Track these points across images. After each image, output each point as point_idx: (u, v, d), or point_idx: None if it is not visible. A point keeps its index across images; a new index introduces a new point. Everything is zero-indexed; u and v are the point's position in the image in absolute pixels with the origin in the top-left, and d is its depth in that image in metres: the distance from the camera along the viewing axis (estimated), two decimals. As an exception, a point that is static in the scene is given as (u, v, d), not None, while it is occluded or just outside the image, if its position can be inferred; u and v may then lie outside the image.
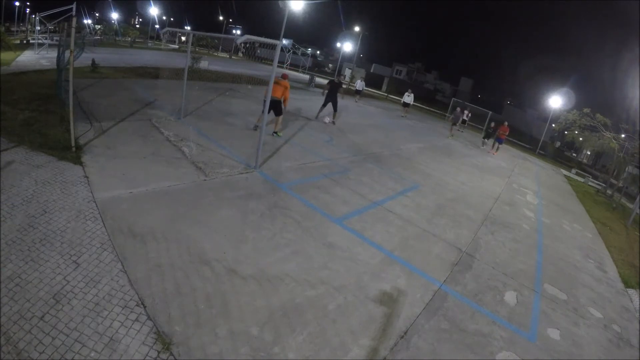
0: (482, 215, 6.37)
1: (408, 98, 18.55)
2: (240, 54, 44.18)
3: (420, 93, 52.60)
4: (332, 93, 10.79)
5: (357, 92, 19.97)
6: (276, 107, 7.48)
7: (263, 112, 5.42)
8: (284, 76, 7.86)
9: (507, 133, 15.10)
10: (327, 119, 10.88)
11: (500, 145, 15.21)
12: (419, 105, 34.63)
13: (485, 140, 16.15)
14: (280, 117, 7.71)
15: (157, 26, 46.30)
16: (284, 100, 7.58)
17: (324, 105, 10.92)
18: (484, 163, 12.08)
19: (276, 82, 7.30)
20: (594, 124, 16.82)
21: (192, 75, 10.18)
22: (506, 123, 15.31)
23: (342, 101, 11.26)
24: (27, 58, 13.36)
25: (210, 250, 3.28)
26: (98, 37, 33.26)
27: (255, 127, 7.83)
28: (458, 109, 17.29)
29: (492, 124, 16.19)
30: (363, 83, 20.38)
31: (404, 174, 7.53)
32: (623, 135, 16.44)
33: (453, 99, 29.95)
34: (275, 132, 7.81)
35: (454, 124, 16.73)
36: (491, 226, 5.96)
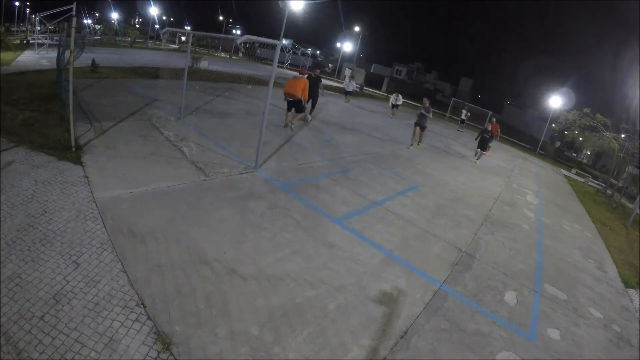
0: (482, 215, 6.37)
1: (397, 101, 17.65)
2: (240, 54, 44.13)
3: (420, 93, 52.68)
4: (312, 89, 9.78)
5: (347, 93, 18.77)
6: (297, 105, 8.22)
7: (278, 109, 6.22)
8: (302, 72, 8.73)
9: (497, 131, 14.24)
10: (309, 117, 10.48)
11: (490, 145, 13.63)
12: (418, 105, 34.61)
13: (481, 151, 11.52)
14: (300, 114, 8.52)
15: (157, 26, 46.34)
16: (304, 97, 8.17)
17: (313, 104, 10.43)
18: (483, 163, 12.07)
19: (293, 82, 8.01)
20: (594, 124, 16.83)
21: (192, 75, 10.19)
22: (494, 119, 14.26)
23: (336, 100, 11.11)
24: (27, 58, 13.36)
25: (210, 250, 3.28)
26: (98, 37, 33.26)
27: (285, 125, 8.55)
28: (426, 100, 11.20)
29: (490, 127, 11.97)
30: (353, 83, 18.98)
31: (403, 174, 7.53)
32: (623, 135, 16.45)
33: (453, 99, 29.95)
34: (290, 124, 8.42)
35: (420, 127, 10.91)
36: (491, 226, 5.96)
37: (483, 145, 11.58)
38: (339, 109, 15.25)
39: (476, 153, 11.62)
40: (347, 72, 44.80)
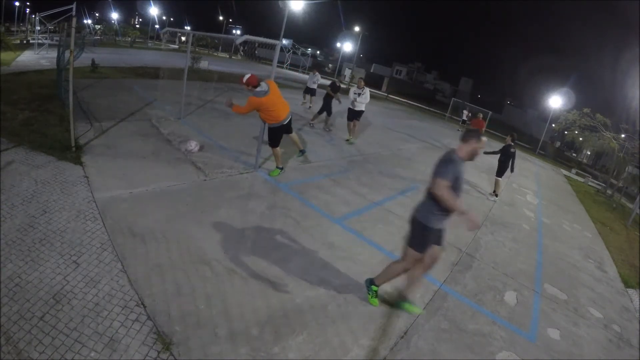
0: (482, 215, 6.37)
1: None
2: (239, 56, 43.81)
3: (420, 93, 52.74)
4: (330, 97, 9.75)
5: (309, 92, 12.76)
6: (358, 115, 8.69)
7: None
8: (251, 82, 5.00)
9: (482, 129, 11.83)
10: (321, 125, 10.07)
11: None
12: (418, 105, 34.61)
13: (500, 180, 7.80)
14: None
15: (157, 26, 46.31)
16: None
17: (321, 111, 9.77)
18: (483, 163, 12.07)
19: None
20: (594, 124, 16.83)
21: (192, 75, 10.17)
22: (481, 115, 12.19)
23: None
24: (27, 58, 13.36)
25: (210, 250, 3.28)
26: (98, 37, 33.24)
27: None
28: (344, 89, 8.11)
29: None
30: (318, 75, 12.98)
31: (403, 174, 7.53)
32: (623, 135, 16.45)
33: (453, 99, 29.97)
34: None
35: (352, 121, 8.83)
36: (491, 226, 5.96)
37: (503, 171, 7.57)
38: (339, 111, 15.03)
39: (495, 185, 7.64)
40: (347, 72, 44.46)
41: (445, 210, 2.69)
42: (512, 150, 7.54)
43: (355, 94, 8.72)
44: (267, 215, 4.21)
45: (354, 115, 8.79)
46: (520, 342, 3.20)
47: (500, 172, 7.62)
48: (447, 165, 2.70)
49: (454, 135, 17.69)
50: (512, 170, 7.72)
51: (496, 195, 7.64)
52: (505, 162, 7.51)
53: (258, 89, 4.86)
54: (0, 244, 2.73)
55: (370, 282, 3.11)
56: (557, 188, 12.41)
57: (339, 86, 10.24)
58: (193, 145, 5.58)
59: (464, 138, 2.81)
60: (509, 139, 7.70)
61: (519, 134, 32.92)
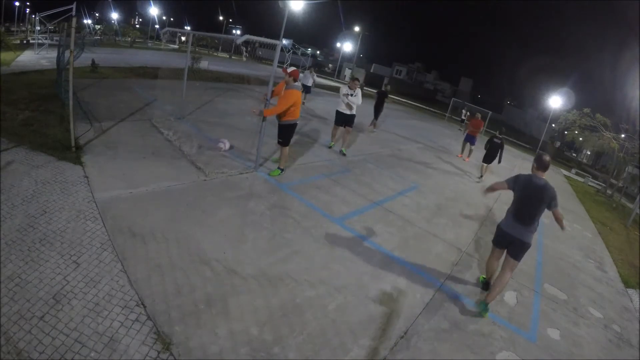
0: (482, 215, 6.37)
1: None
2: (244, 58, 43.20)
3: (420, 93, 52.76)
4: (380, 102, 11.76)
5: (304, 90, 12.77)
6: (350, 120, 7.48)
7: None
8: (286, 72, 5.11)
9: (480, 129, 11.18)
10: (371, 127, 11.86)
11: (472, 147, 11.14)
12: (418, 105, 34.61)
13: (487, 165, 9.09)
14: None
15: (157, 26, 46.31)
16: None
17: (376, 115, 11.84)
18: (476, 159, 12.07)
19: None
20: (594, 124, 16.83)
21: (192, 75, 10.17)
22: (479, 115, 11.21)
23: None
24: (27, 58, 13.36)
25: (210, 250, 3.28)
26: (98, 37, 33.22)
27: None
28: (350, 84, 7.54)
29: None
30: (314, 75, 13.85)
31: (403, 174, 7.53)
32: (623, 135, 16.45)
33: (453, 99, 29.97)
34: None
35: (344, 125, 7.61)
36: (491, 226, 5.96)
37: (491, 158, 8.79)
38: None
39: (481, 169, 9.11)
40: (347, 72, 44.31)
41: None
42: (496, 140, 8.80)
43: (346, 94, 7.34)
44: (267, 215, 4.21)
45: (344, 120, 7.49)
46: (521, 342, 3.20)
47: (485, 158, 8.95)
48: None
49: (454, 136, 17.70)
50: (499, 161, 8.88)
51: (482, 177, 9.06)
52: (489, 150, 8.85)
53: (296, 83, 5.07)
54: (0, 244, 2.73)
55: (485, 304, 3.45)
56: (557, 188, 12.37)
57: (386, 92, 12.37)
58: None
59: (548, 166, 3.82)
60: (497, 133, 9.05)
61: (519, 134, 33.09)
